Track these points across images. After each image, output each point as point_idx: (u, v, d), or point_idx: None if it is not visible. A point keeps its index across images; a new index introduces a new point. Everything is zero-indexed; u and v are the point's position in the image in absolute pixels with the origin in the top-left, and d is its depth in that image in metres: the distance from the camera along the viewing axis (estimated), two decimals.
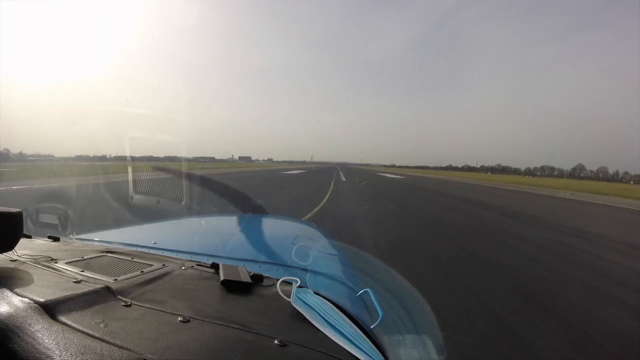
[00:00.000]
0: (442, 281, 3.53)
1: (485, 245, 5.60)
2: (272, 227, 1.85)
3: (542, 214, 10.67)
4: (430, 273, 3.75)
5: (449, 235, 6.22)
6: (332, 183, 18.93)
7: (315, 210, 8.15)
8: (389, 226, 6.87)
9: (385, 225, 6.87)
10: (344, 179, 23.89)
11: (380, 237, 5.55)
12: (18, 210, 0.62)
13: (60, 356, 0.39)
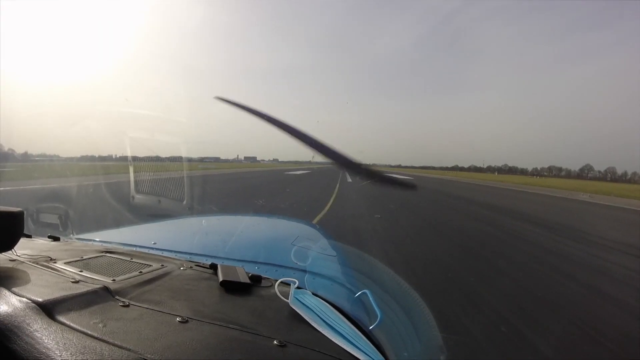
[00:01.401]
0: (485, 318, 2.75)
1: (529, 269, 4.44)
2: (272, 227, 1.85)
3: (573, 221, 9.27)
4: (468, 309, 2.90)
5: (481, 254, 5.08)
6: (338, 184, 17.79)
7: (315, 220, 6.74)
8: (404, 240, 5.61)
9: (399, 240, 5.60)
10: (349, 180, 23.18)
11: (395, 257, 4.45)
12: (19, 209, 0.63)
13: (60, 356, 0.39)
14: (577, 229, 7.80)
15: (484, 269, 4.34)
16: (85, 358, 0.39)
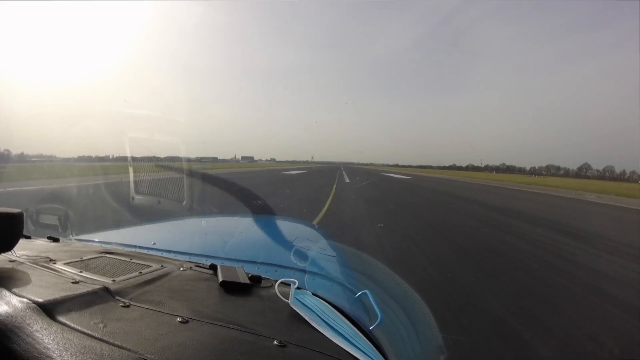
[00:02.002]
0: None
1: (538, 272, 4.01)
2: (271, 227, 1.85)
3: (598, 228, 7.90)
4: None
5: (500, 265, 4.32)
6: (335, 184, 16.74)
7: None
8: (417, 257, 4.49)
9: (414, 259, 4.37)
10: (347, 180, 21.59)
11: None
12: (18, 210, 0.63)
13: (61, 356, 0.39)
14: (598, 234, 6.82)
15: (502, 282, 3.74)
16: (85, 358, 0.39)
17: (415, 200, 12.81)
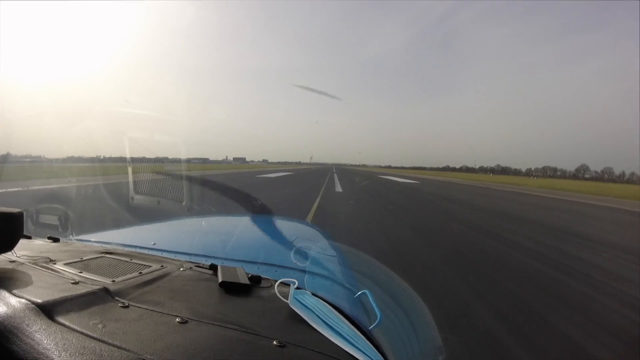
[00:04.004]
0: None
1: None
2: (271, 228, 1.85)
3: None
4: None
5: None
6: (319, 197, 10.71)
7: None
8: None
9: None
10: (339, 190, 14.82)
11: None
12: (18, 210, 0.63)
13: (60, 356, 0.39)
14: None
15: None
16: (84, 359, 0.39)
17: (494, 249, 5.18)
